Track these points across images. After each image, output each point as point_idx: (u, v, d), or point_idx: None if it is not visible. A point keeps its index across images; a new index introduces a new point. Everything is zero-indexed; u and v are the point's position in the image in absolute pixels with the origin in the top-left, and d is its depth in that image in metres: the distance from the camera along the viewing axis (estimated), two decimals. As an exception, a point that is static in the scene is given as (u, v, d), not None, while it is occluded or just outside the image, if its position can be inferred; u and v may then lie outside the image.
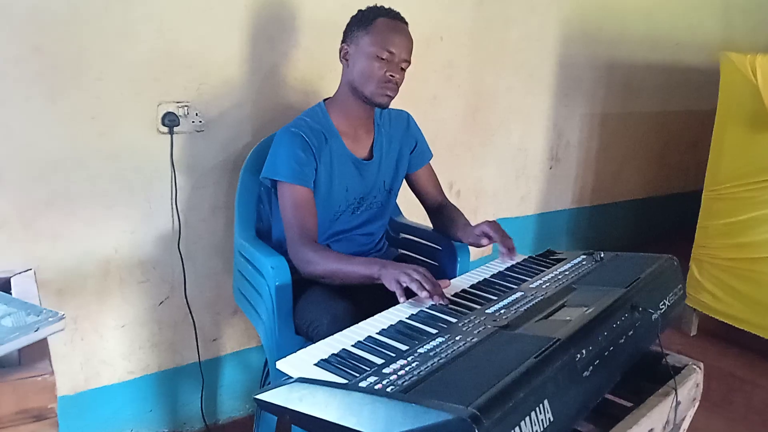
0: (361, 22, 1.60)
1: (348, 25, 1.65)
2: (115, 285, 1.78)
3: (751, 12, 3.88)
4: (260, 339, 1.76)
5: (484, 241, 1.62)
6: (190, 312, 1.90)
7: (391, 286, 1.36)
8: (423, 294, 1.31)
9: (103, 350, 1.81)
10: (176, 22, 1.72)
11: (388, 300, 1.36)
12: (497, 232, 1.61)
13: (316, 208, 1.60)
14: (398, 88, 1.62)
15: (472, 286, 1.42)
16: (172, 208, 1.81)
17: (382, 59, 1.56)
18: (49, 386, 1.08)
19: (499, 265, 1.57)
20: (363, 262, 1.47)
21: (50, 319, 1.17)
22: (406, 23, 1.63)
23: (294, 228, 1.56)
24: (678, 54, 3.47)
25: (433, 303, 1.30)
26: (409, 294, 1.35)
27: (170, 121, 1.74)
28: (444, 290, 1.34)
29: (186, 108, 1.77)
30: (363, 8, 1.64)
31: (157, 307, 1.86)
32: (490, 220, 1.66)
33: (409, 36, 1.62)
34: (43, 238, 1.64)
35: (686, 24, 3.47)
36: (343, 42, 1.65)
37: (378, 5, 1.64)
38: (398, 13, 1.63)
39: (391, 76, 1.58)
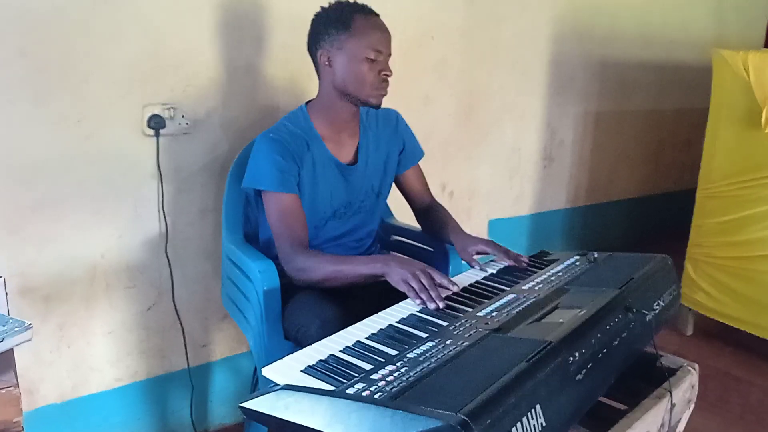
0: (338, 23, 1.53)
1: (317, 26, 1.56)
2: (102, 291, 1.75)
3: (744, 8, 3.88)
4: (250, 344, 1.74)
5: (477, 265, 1.59)
6: (179, 317, 1.87)
7: (399, 286, 1.34)
8: (424, 297, 1.30)
9: (91, 357, 1.78)
10: (162, 23, 1.70)
11: (379, 303, 1.33)
12: (497, 250, 1.58)
13: (303, 213, 1.57)
14: (389, 83, 1.58)
15: (463, 289, 1.40)
16: (158, 211, 1.79)
17: (372, 60, 1.53)
18: (14, 399, 1.06)
19: (491, 267, 1.55)
20: (364, 261, 1.44)
21: (16, 329, 1.14)
22: (378, 14, 1.57)
23: (283, 237, 1.52)
24: (671, 52, 3.46)
25: (434, 306, 1.29)
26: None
27: (156, 123, 1.71)
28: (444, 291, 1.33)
29: (172, 110, 1.74)
30: (326, 6, 1.56)
31: (145, 313, 1.84)
32: (486, 238, 1.64)
33: (387, 28, 1.57)
34: (29, 244, 1.61)
35: (679, 21, 3.46)
36: (318, 47, 1.56)
37: (342, 0, 1.57)
38: (369, 6, 1.57)
39: (385, 74, 1.55)
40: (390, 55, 1.57)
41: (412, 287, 1.32)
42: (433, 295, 1.30)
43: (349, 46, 1.52)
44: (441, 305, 1.29)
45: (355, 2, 1.57)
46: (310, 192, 1.60)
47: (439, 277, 1.35)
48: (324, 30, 1.55)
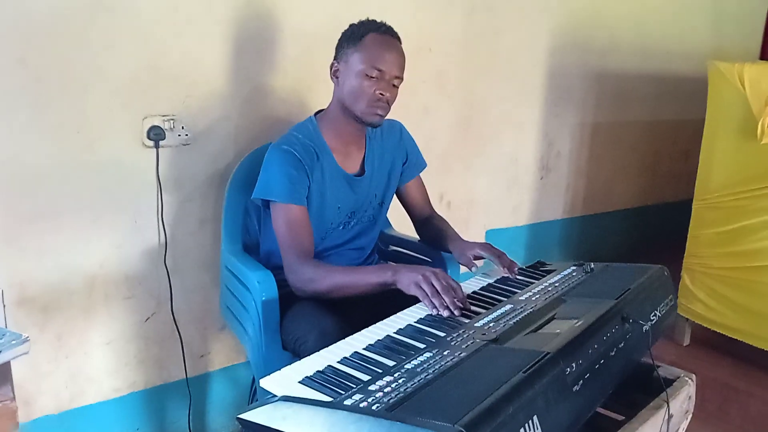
0: (351, 38, 1.56)
1: (339, 41, 1.61)
2: (100, 301, 1.75)
3: (741, 21, 3.91)
4: (248, 354, 1.74)
5: (477, 265, 1.60)
6: (177, 328, 1.87)
7: (410, 291, 1.35)
8: (441, 309, 1.30)
9: (89, 367, 1.78)
10: (162, 34, 1.71)
11: (377, 314, 1.34)
12: (493, 253, 1.59)
13: (311, 225, 1.58)
14: (389, 106, 1.58)
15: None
16: (158, 222, 1.79)
17: (372, 77, 1.53)
18: (10, 413, 1.05)
19: (489, 278, 1.56)
20: (372, 270, 1.45)
21: (13, 342, 1.13)
22: (399, 38, 1.59)
23: (290, 248, 1.52)
24: (668, 63, 3.48)
25: (448, 313, 1.29)
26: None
27: (156, 135, 1.72)
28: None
29: (172, 121, 1.75)
30: (355, 23, 1.60)
31: (143, 323, 1.84)
32: (483, 242, 1.64)
33: (400, 52, 1.58)
34: (27, 254, 1.62)
35: (677, 33, 3.48)
36: (334, 59, 1.61)
37: (369, 19, 1.60)
38: (390, 28, 1.59)
39: (381, 94, 1.54)
40: (398, 78, 1.57)
41: (424, 291, 1.32)
42: (447, 300, 1.30)
43: (353, 60, 1.54)
44: (456, 312, 1.28)
45: (379, 22, 1.59)
46: (318, 203, 1.61)
47: (452, 286, 1.35)
48: (341, 43, 1.59)
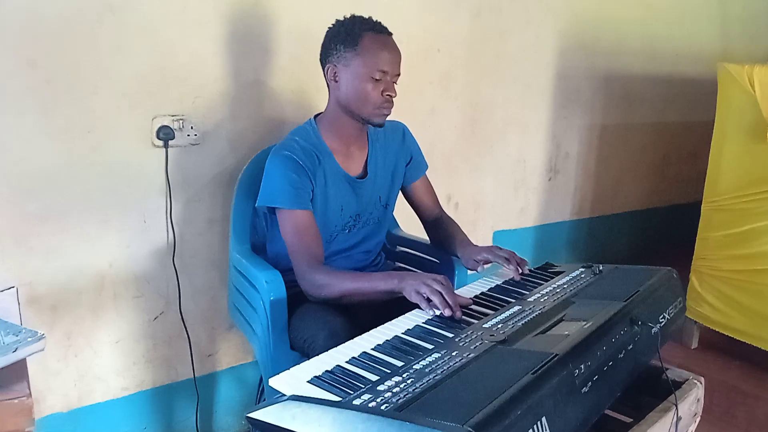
0: (347, 40, 1.52)
1: (329, 40, 1.56)
2: (109, 300, 1.76)
3: (749, 23, 3.89)
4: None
5: (484, 267, 1.60)
6: (185, 327, 1.88)
7: (412, 298, 1.34)
8: (442, 307, 1.29)
9: (98, 366, 1.79)
10: (170, 35, 1.72)
11: (385, 314, 1.34)
12: (499, 256, 1.57)
13: (318, 229, 1.57)
14: (393, 104, 1.58)
15: (469, 300, 1.41)
16: (166, 222, 1.80)
17: (377, 80, 1.52)
18: (26, 409, 1.06)
19: (497, 279, 1.56)
20: (381, 278, 1.44)
21: (29, 339, 1.15)
22: (391, 33, 1.57)
23: (300, 254, 1.52)
24: (676, 65, 3.47)
25: (450, 315, 1.28)
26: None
27: (165, 134, 1.73)
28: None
29: (181, 121, 1.76)
30: (341, 19, 1.56)
31: (151, 323, 1.85)
32: (490, 245, 1.64)
33: (397, 48, 1.56)
34: (36, 254, 1.63)
35: (684, 35, 3.47)
36: (327, 61, 1.56)
37: (357, 16, 1.56)
38: (381, 24, 1.56)
39: (388, 95, 1.54)
40: (398, 75, 1.56)
41: (423, 296, 1.32)
42: (449, 300, 1.29)
43: (354, 64, 1.52)
44: (458, 314, 1.28)
45: (369, 19, 1.56)
46: (321, 206, 1.60)
47: (452, 291, 1.34)
48: (333, 45, 1.55)
